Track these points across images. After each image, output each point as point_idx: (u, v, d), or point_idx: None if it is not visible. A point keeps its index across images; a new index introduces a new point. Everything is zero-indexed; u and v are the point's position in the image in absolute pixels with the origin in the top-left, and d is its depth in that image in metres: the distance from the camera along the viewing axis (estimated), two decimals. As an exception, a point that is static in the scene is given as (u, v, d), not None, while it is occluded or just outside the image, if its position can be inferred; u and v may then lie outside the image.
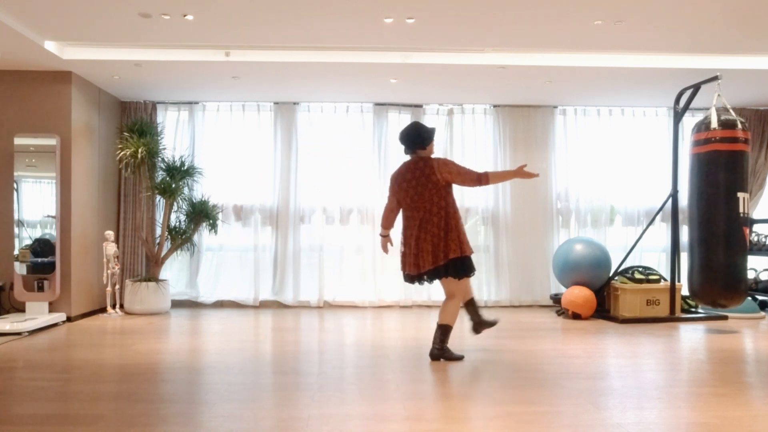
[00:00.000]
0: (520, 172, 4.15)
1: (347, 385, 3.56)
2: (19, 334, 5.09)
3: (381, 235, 4.50)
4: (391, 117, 7.13)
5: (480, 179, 4.12)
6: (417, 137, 4.16)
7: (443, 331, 4.20)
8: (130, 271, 6.87)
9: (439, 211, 4.09)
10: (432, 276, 4.13)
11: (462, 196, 7.12)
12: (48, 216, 5.61)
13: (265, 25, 4.72)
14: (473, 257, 4.68)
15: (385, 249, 4.50)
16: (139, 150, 6.24)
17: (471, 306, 4.45)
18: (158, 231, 6.90)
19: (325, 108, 7.10)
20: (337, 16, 4.55)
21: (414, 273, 4.15)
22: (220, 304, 7.03)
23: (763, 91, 6.52)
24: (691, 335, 5.26)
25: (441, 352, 4.20)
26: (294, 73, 5.85)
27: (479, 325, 4.49)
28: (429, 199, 4.10)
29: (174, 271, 7.10)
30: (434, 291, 7.09)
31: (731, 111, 5.43)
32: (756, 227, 7.11)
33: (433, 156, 4.24)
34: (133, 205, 6.91)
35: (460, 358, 4.23)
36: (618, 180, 7.23)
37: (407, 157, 4.29)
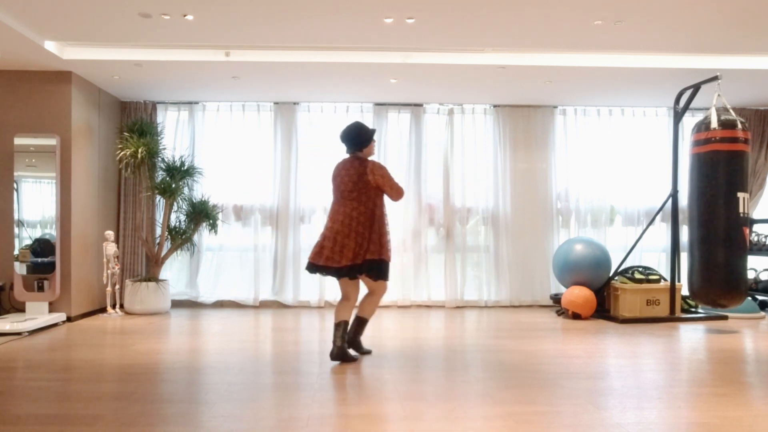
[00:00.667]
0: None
1: (347, 385, 3.56)
2: (19, 334, 5.09)
3: None
4: (391, 117, 7.13)
5: (401, 191, 4.25)
6: (356, 138, 4.22)
7: (359, 323, 4.36)
8: (130, 271, 6.87)
9: (366, 211, 4.14)
10: (340, 273, 4.09)
11: (463, 195, 7.13)
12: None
13: (265, 25, 4.73)
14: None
15: None
16: (139, 150, 6.24)
17: (359, 324, 4.39)
18: (158, 231, 6.90)
19: (325, 108, 7.10)
20: (337, 16, 4.55)
21: (319, 263, 4.12)
22: (220, 304, 7.03)
23: (763, 91, 6.52)
24: (691, 335, 5.26)
25: (350, 342, 4.33)
26: (294, 73, 5.85)
27: (351, 344, 4.35)
28: (357, 198, 4.15)
29: (174, 271, 7.10)
30: (434, 291, 7.10)
31: (731, 111, 5.43)
32: (756, 227, 7.11)
33: (370, 158, 4.29)
34: (133, 205, 6.91)
35: (355, 359, 4.22)
36: (618, 180, 7.23)
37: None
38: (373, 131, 4.29)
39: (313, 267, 4.17)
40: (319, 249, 4.14)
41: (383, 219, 4.23)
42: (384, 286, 4.32)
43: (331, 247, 4.10)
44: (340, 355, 4.12)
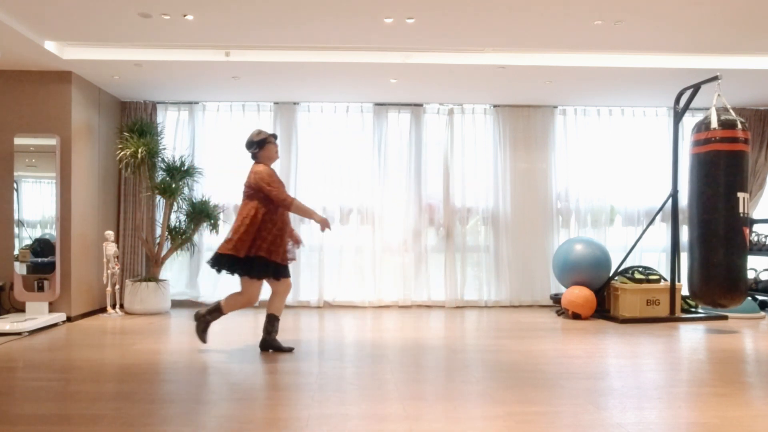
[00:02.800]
0: (321, 221, 4.47)
1: (347, 385, 3.56)
2: (19, 334, 5.09)
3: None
4: (391, 117, 7.13)
5: (285, 201, 4.36)
6: (250, 144, 4.52)
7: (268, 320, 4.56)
8: (130, 271, 6.87)
9: (249, 211, 4.36)
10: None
11: (463, 195, 7.13)
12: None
13: (265, 25, 4.73)
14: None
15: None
16: (139, 150, 6.24)
17: (267, 320, 4.56)
18: (158, 231, 6.90)
19: (325, 108, 7.10)
20: (337, 17, 4.55)
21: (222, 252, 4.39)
22: (220, 304, 7.02)
23: (763, 91, 6.52)
24: (691, 335, 5.26)
25: (269, 341, 4.54)
26: (294, 73, 5.85)
27: (267, 343, 4.53)
28: (245, 199, 4.44)
29: (174, 271, 7.10)
30: (433, 291, 7.10)
31: (731, 111, 5.43)
32: (756, 227, 7.11)
33: (259, 163, 4.51)
34: (133, 205, 6.91)
35: (289, 350, 4.54)
36: (618, 180, 7.23)
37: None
38: (267, 136, 4.52)
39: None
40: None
41: (259, 220, 4.35)
42: (254, 289, 4.47)
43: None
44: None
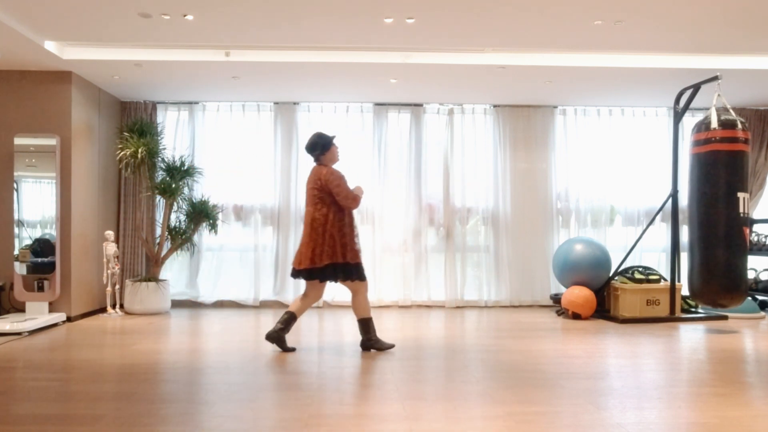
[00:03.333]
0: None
1: (347, 385, 3.56)
2: (19, 334, 5.09)
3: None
4: (391, 117, 7.13)
5: (356, 201, 4.40)
6: (314, 147, 4.54)
7: (363, 323, 4.58)
8: (130, 271, 6.87)
9: (320, 217, 4.37)
10: (304, 275, 4.41)
11: (463, 195, 7.13)
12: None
13: (265, 25, 4.73)
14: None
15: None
16: (139, 150, 6.24)
17: (292, 321, 4.55)
18: (158, 231, 6.90)
19: (325, 108, 7.10)
20: (337, 17, 4.55)
21: (296, 268, 4.47)
22: (220, 304, 7.03)
23: (763, 91, 6.52)
24: (691, 335, 5.26)
25: (371, 342, 4.56)
26: (294, 73, 5.85)
27: (279, 339, 4.52)
28: (312, 203, 4.43)
29: (174, 271, 7.10)
30: (433, 291, 7.10)
31: (731, 111, 5.43)
32: (756, 227, 7.11)
33: (323, 165, 4.54)
34: (133, 205, 6.91)
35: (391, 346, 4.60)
36: (618, 180, 7.23)
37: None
38: (331, 138, 4.54)
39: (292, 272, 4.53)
40: (297, 256, 4.48)
41: (338, 223, 4.38)
42: (316, 287, 4.53)
43: (299, 251, 4.46)
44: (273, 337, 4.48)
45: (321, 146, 4.50)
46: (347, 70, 5.75)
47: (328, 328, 5.62)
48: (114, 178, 6.88)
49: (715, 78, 5.48)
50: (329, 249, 4.31)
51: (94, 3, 4.30)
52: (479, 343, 4.86)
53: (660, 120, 7.30)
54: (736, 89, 6.43)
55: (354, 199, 4.36)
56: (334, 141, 4.58)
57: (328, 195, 4.37)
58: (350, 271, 4.38)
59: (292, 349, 4.54)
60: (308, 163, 7.04)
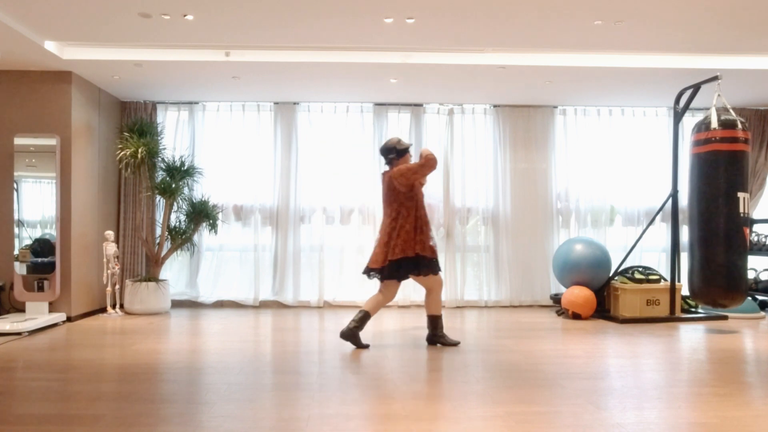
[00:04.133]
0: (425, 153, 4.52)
1: (347, 385, 3.56)
2: (19, 334, 5.09)
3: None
4: (391, 117, 7.13)
5: (427, 160, 4.43)
6: (389, 151, 4.68)
7: (432, 319, 4.77)
8: (130, 271, 6.87)
9: (394, 215, 4.53)
10: (379, 274, 4.57)
11: (463, 195, 7.12)
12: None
13: (265, 25, 4.73)
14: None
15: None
16: (139, 150, 6.24)
17: (366, 319, 4.66)
18: (158, 231, 6.90)
19: (325, 108, 7.10)
20: (338, 17, 4.55)
21: (371, 267, 4.61)
22: (220, 304, 7.03)
23: (763, 91, 6.52)
24: (691, 335, 5.26)
25: (437, 338, 4.74)
26: (294, 73, 5.85)
27: (353, 336, 4.63)
28: (388, 204, 4.59)
29: (174, 271, 7.10)
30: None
31: (731, 111, 5.43)
32: (756, 227, 7.11)
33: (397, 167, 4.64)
34: (133, 205, 6.91)
35: (455, 342, 4.76)
36: (618, 180, 7.23)
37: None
38: (408, 146, 4.69)
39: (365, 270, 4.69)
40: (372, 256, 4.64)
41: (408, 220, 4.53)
42: (391, 285, 4.65)
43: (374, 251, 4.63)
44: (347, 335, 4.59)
45: (397, 152, 4.64)
46: (347, 70, 5.75)
47: (329, 328, 5.62)
48: (114, 178, 6.88)
49: (715, 78, 5.47)
50: (402, 243, 4.44)
51: (94, 3, 4.30)
52: (479, 343, 4.86)
53: (660, 120, 7.30)
54: (736, 89, 6.43)
55: (426, 161, 4.39)
56: (410, 150, 4.75)
57: (400, 194, 4.51)
58: (424, 265, 4.48)
59: (366, 346, 4.63)
60: (309, 163, 7.08)
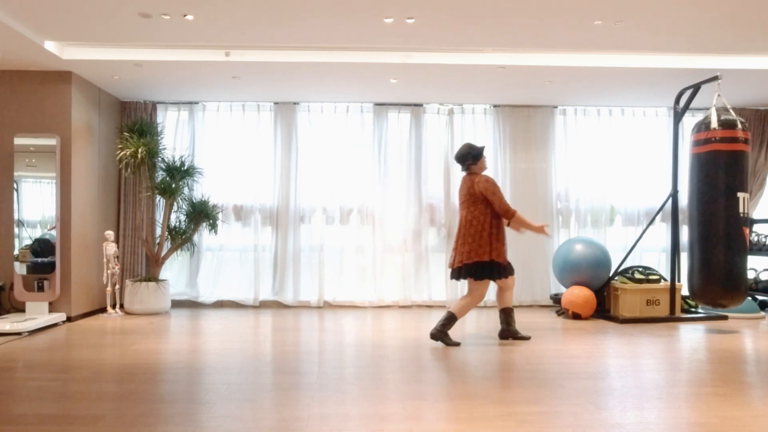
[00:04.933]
0: (539, 230, 4.77)
1: (347, 385, 3.56)
2: (19, 334, 5.09)
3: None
4: (391, 117, 7.13)
5: (508, 212, 4.68)
6: (465, 157, 4.83)
7: (506, 313, 4.98)
8: (130, 271, 6.87)
9: (474, 220, 4.71)
10: (458, 273, 4.77)
11: (462, 196, 7.12)
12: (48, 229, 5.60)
13: (265, 25, 4.72)
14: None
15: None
16: (139, 150, 6.24)
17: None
18: (158, 231, 6.90)
19: (325, 108, 7.10)
20: (338, 17, 4.55)
21: (453, 266, 4.82)
22: (220, 304, 7.03)
23: (763, 91, 6.52)
24: (691, 335, 5.26)
25: (510, 332, 4.97)
26: (294, 73, 5.85)
27: (443, 335, 4.79)
28: (467, 208, 4.77)
29: (174, 271, 7.10)
30: (434, 291, 7.10)
31: (731, 111, 5.43)
32: (756, 227, 7.11)
33: (473, 174, 4.83)
34: (133, 205, 6.91)
35: (527, 337, 5.03)
36: (618, 180, 7.23)
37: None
38: (481, 149, 4.86)
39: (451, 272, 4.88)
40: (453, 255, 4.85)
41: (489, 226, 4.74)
42: (479, 286, 4.80)
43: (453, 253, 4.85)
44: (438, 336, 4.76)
45: (472, 157, 4.80)
46: (347, 70, 5.74)
47: (329, 328, 5.62)
48: (114, 178, 6.88)
49: (715, 78, 5.48)
50: (477, 248, 4.64)
51: (94, 3, 4.30)
52: (479, 343, 4.86)
53: (660, 120, 7.30)
54: (736, 89, 6.43)
55: (507, 211, 4.66)
56: (484, 152, 4.90)
57: (484, 200, 4.69)
58: (497, 270, 4.67)
59: (457, 344, 4.76)
60: (308, 163, 7.08)
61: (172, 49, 5.44)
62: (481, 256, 4.62)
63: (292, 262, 7.02)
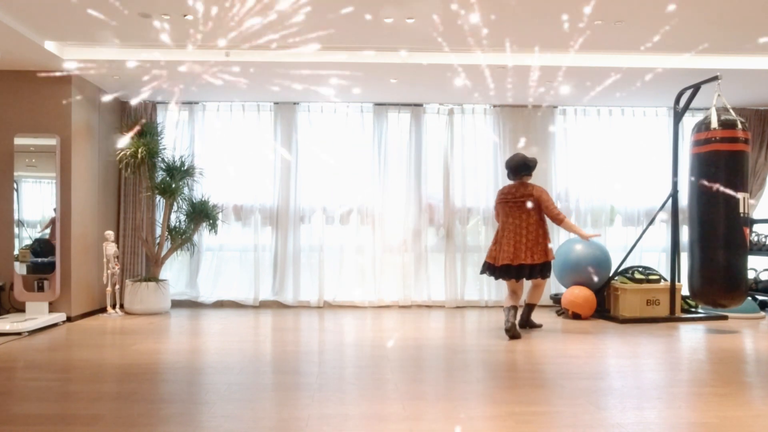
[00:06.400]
0: (584, 236, 5.18)
1: (347, 385, 3.56)
2: (19, 334, 5.09)
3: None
4: (391, 117, 7.13)
5: (559, 217, 5.13)
6: (525, 167, 5.27)
7: (530, 307, 5.58)
8: (130, 271, 6.87)
9: (526, 223, 5.18)
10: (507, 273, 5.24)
11: (463, 195, 7.13)
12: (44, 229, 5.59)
13: (266, 25, 4.72)
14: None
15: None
16: (139, 150, 6.24)
17: (529, 307, 5.58)
18: (158, 231, 6.90)
19: (325, 108, 7.10)
20: (337, 17, 4.54)
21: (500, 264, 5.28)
22: (220, 304, 7.03)
23: (763, 91, 6.52)
24: (691, 335, 5.26)
25: (527, 323, 5.57)
26: (294, 73, 5.85)
27: (519, 327, 5.52)
28: (520, 211, 5.22)
29: (174, 271, 7.10)
30: (434, 291, 7.10)
31: (731, 111, 5.43)
32: (756, 227, 7.11)
33: (528, 182, 5.30)
34: (133, 205, 6.91)
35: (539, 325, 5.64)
36: (618, 180, 7.23)
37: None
38: (536, 162, 5.34)
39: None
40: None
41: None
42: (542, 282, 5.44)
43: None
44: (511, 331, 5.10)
45: (527, 168, 5.26)
46: (347, 70, 5.74)
47: (329, 328, 5.62)
48: (114, 178, 6.88)
49: (715, 78, 5.47)
50: (546, 249, 5.11)
51: (94, 3, 4.29)
52: (479, 343, 4.86)
53: (660, 120, 7.30)
54: (736, 89, 6.42)
55: (560, 218, 5.11)
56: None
57: (539, 206, 5.15)
58: (546, 269, 5.12)
59: (540, 325, 5.59)
60: (308, 163, 7.08)
61: (172, 49, 5.44)
62: (547, 256, 5.10)
63: (292, 262, 7.02)
